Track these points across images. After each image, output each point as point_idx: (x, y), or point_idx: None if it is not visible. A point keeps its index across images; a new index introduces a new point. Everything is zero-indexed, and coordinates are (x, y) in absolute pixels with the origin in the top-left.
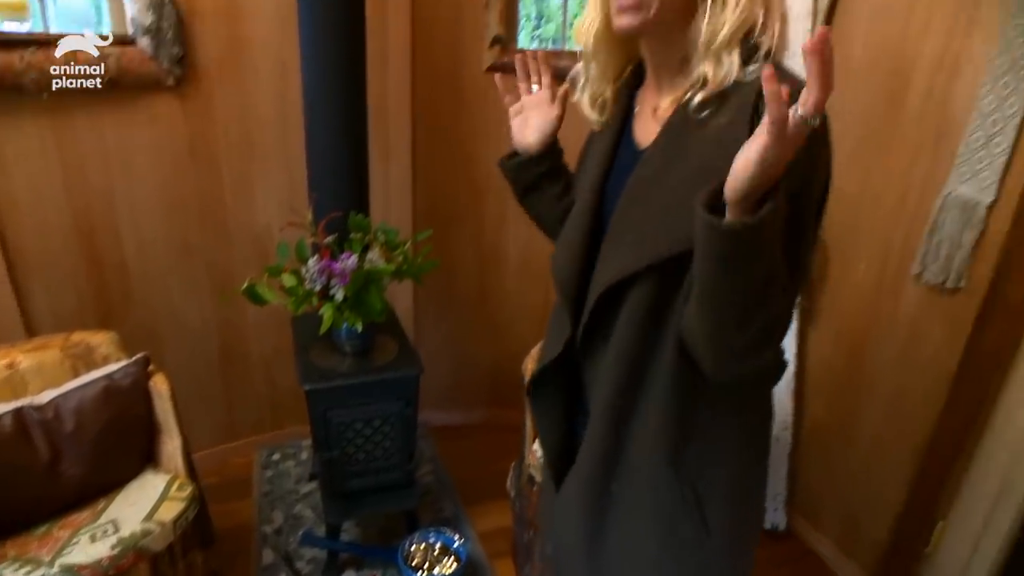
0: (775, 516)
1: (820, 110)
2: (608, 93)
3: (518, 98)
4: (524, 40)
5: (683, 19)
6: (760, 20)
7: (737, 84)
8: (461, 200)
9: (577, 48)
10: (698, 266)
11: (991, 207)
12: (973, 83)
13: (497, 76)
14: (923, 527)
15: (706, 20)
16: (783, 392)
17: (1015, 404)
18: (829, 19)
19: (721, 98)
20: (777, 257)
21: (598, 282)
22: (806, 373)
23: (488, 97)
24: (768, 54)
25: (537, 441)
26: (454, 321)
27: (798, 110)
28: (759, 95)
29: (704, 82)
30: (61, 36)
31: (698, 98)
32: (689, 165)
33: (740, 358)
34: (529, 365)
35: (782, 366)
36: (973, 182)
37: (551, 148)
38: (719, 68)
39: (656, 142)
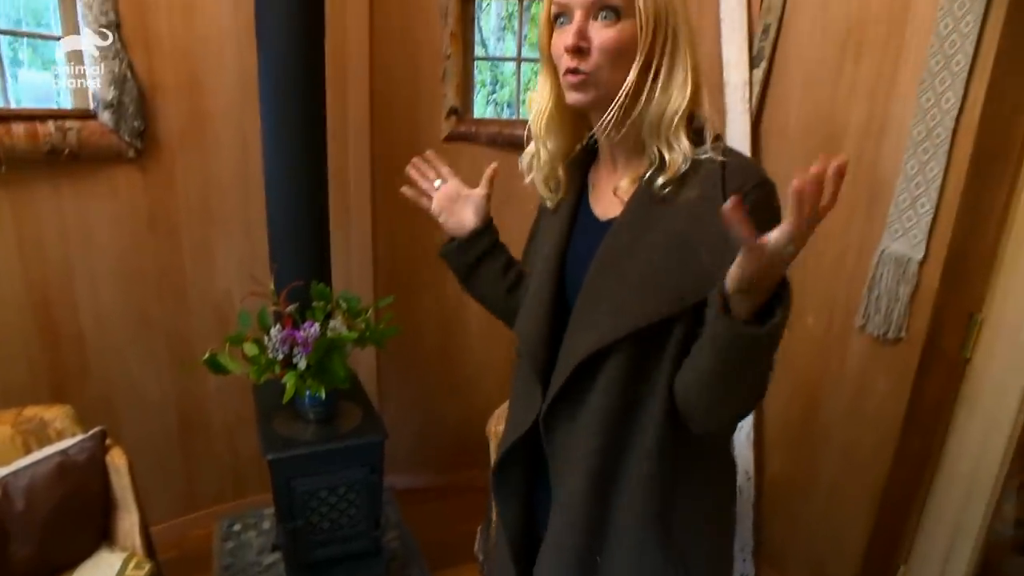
0: (744, 567)
1: (798, 242)
2: (560, 172)
3: (431, 199)
4: (480, 105)
5: (632, 98)
6: (701, 100)
7: (694, 162)
8: (422, 264)
9: (529, 122)
10: (710, 359)
11: (922, 263)
12: (897, 147)
13: (404, 189)
14: (886, 572)
15: (653, 100)
16: (743, 443)
17: (959, 451)
18: (764, 89)
19: (681, 176)
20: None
21: (574, 351)
22: (764, 424)
23: (447, 163)
24: (717, 137)
25: None
26: (418, 382)
27: (771, 239)
28: (723, 165)
29: (661, 162)
30: (22, 112)
31: (660, 181)
32: (662, 236)
33: (735, 419)
34: (493, 427)
35: None
36: (904, 240)
37: (487, 226)
38: (673, 152)
39: (624, 215)
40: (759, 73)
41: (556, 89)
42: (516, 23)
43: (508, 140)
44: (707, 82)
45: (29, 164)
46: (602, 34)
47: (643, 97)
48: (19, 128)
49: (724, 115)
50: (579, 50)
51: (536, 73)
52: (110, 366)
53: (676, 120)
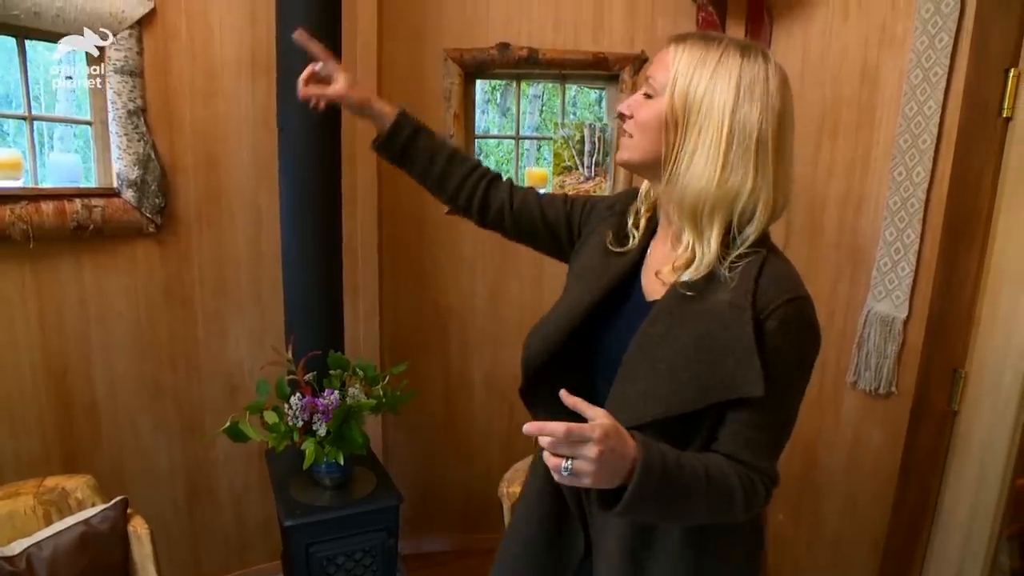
0: None
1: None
2: (632, 227)
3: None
4: None
5: (670, 174)
6: (742, 200)
7: (729, 264)
8: (426, 331)
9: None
10: None
11: (906, 321)
12: (875, 216)
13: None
14: None
15: (677, 178)
16: None
17: (955, 501)
18: None
19: (713, 276)
20: (704, 501)
21: None
22: None
23: (449, 234)
24: (762, 241)
25: None
26: (423, 447)
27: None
28: (758, 275)
29: (691, 253)
30: (51, 191)
31: (687, 277)
32: (692, 334)
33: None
34: (506, 489)
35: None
36: (887, 301)
37: (398, 121)
38: (702, 247)
39: (663, 303)
40: None
41: None
42: (499, 96)
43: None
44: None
45: (55, 240)
46: (639, 108)
47: (671, 172)
48: (48, 206)
49: None
50: (622, 115)
51: (526, 151)
52: (122, 435)
53: (702, 208)
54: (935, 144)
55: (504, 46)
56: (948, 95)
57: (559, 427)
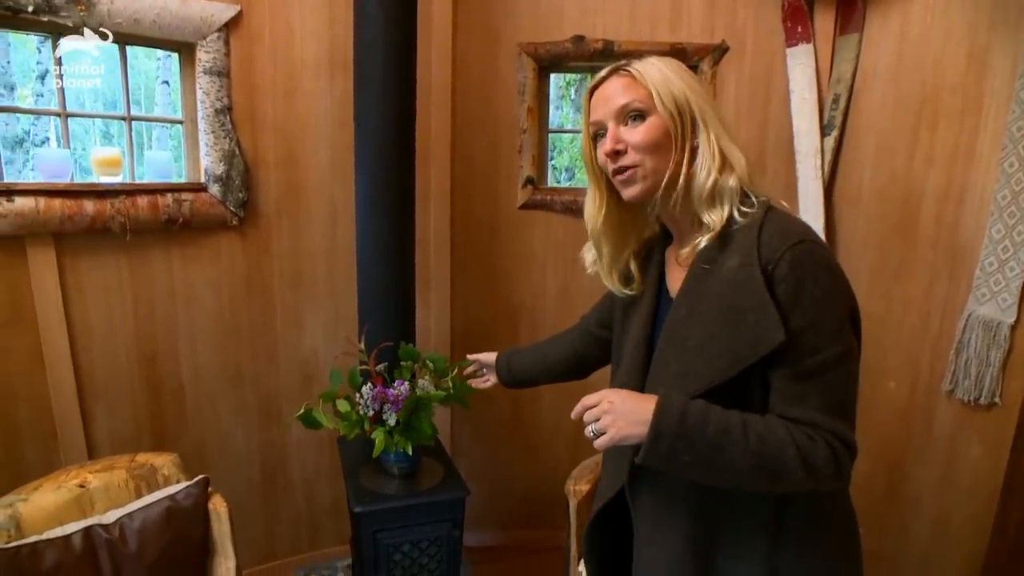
0: None
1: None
2: (633, 266)
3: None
4: None
5: (682, 180)
6: (734, 167)
7: (735, 230)
8: (496, 327)
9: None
10: None
11: (1014, 327)
12: (980, 211)
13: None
14: None
15: (696, 175)
16: None
17: None
18: (836, 157)
19: (723, 240)
20: (730, 463)
21: None
22: None
23: (521, 231)
24: (763, 203)
25: (582, 563)
26: (489, 443)
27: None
28: (759, 231)
29: (706, 228)
30: (146, 187)
31: (704, 243)
32: (711, 306)
33: (800, 491)
34: (572, 486)
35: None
36: (992, 303)
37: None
38: (714, 216)
39: (682, 289)
40: (830, 141)
41: (607, 196)
42: (573, 92)
43: (581, 208)
44: (737, 145)
45: (148, 232)
46: (633, 134)
47: (690, 174)
48: (143, 201)
49: (795, 183)
50: (616, 152)
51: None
52: (204, 418)
53: (719, 189)
54: None
55: (579, 39)
56: None
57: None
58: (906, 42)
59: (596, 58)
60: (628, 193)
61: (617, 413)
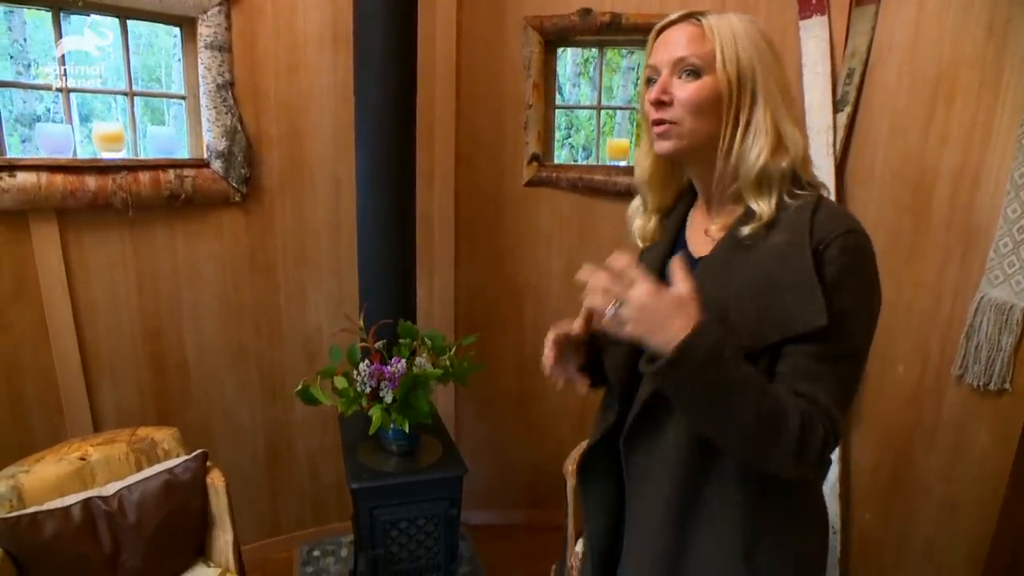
0: None
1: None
2: (652, 223)
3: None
4: (556, 148)
5: (724, 150)
6: (800, 152)
7: (785, 209)
8: (501, 306)
9: (610, 163)
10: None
11: None
12: (995, 192)
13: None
14: None
15: (739, 152)
16: (828, 496)
17: None
18: (848, 134)
19: (770, 222)
20: (742, 407)
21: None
22: (851, 477)
23: (527, 209)
24: (816, 187)
25: (580, 542)
26: (494, 422)
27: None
28: (813, 212)
29: (750, 212)
30: (148, 162)
31: (746, 231)
32: (749, 276)
33: (764, 464)
34: (570, 466)
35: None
36: (1005, 286)
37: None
38: (762, 206)
39: (714, 253)
40: (843, 118)
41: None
42: (591, 69)
43: (588, 185)
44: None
45: (150, 208)
46: (683, 89)
47: (733, 149)
48: (145, 176)
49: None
50: (661, 103)
51: (612, 119)
52: (209, 393)
53: (768, 172)
54: None
55: (585, 11)
56: None
57: (618, 261)
58: (924, 13)
59: (603, 31)
60: (659, 147)
61: (643, 312)
